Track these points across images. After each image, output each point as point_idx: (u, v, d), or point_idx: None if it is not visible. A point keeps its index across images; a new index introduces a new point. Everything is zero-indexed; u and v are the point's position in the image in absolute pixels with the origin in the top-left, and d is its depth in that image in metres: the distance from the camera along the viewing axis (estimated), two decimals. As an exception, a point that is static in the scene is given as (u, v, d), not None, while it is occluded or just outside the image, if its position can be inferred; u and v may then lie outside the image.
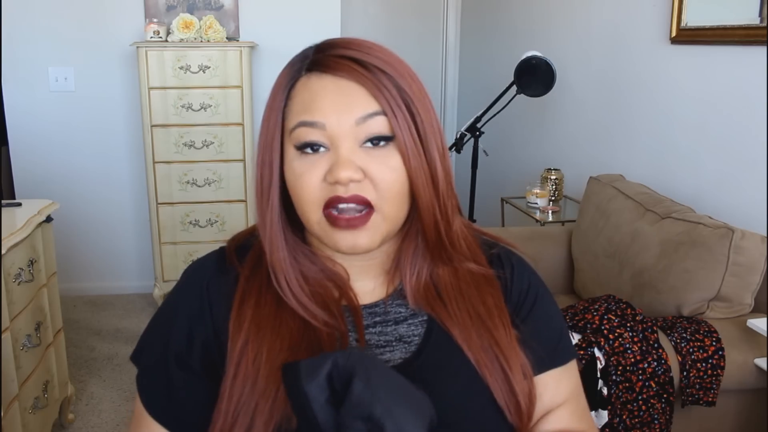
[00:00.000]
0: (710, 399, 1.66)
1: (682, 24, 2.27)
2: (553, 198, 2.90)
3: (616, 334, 1.66)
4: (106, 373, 2.69)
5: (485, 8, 3.95)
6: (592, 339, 1.66)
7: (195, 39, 2.96)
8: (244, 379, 0.69)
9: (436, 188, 0.71)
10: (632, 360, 1.63)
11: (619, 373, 1.62)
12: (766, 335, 1.60)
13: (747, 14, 1.99)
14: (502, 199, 3.13)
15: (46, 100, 3.22)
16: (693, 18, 2.23)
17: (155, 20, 3.07)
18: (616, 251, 2.10)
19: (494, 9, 3.82)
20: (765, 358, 1.66)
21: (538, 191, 2.84)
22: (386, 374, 0.60)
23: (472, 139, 2.99)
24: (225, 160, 3.08)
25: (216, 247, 0.81)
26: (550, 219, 2.75)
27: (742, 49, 2.04)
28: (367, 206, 0.68)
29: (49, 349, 2.07)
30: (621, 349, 1.64)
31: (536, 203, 2.84)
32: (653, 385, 1.62)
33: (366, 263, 0.77)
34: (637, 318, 1.72)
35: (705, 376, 1.65)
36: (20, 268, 1.85)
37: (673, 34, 2.31)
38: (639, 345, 1.65)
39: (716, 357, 1.65)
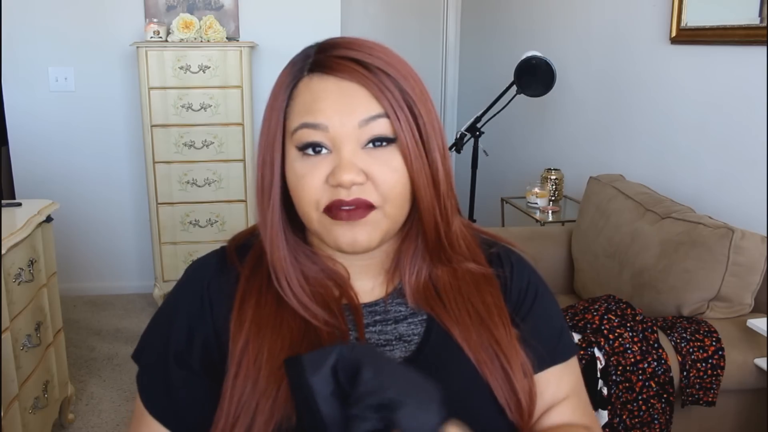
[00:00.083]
0: (710, 399, 1.66)
1: (682, 24, 2.27)
2: (553, 198, 2.90)
3: (616, 334, 1.66)
4: (106, 373, 2.69)
5: (485, 8, 3.95)
6: (592, 339, 1.66)
7: (195, 39, 2.96)
8: (245, 379, 0.69)
9: (436, 189, 0.72)
10: (632, 360, 1.63)
11: (619, 373, 1.62)
12: (766, 335, 1.60)
13: (747, 14, 1.99)
14: (502, 199, 3.13)
15: (46, 100, 3.22)
16: (693, 18, 2.23)
17: (155, 20, 3.07)
18: (616, 251, 2.10)
19: (494, 9, 3.82)
20: (765, 358, 1.66)
21: (538, 191, 2.84)
22: (394, 365, 0.60)
23: (472, 139, 2.99)
24: (225, 160, 3.08)
25: (216, 247, 0.81)
26: (550, 219, 2.75)
27: (742, 49, 2.04)
28: (369, 208, 0.69)
29: (49, 349, 2.07)
30: (621, 349, 1.64)
31: (536, 203, 2.84)
32: (653, 385, 1.62)
33: (366, 262, 0.77)
34: (637, 318, 1.72)
35: (705, 376, 1.65)
36: (20, 268, 1.85)
37: (673, 34, 2.31)
38: (639, 345, 1.65)
39: (716, 357, 1.65)
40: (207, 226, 3.14)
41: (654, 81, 2.45)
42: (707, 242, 1.78)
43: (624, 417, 1.62)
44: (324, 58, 0.70)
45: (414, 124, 0.69)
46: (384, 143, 0.69)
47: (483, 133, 2.98)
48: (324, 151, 0.69)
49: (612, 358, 1.63)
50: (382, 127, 0.68)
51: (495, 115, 2.92)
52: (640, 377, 1.62)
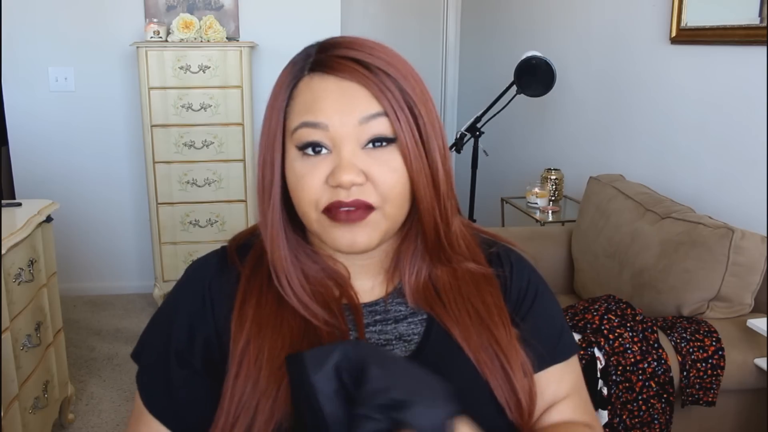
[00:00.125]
0: (710, 399, 1.66)
1: (682, 24, 2.27)
2: (553, 198, 2.90)
3: (616, 334, 1.66)
4: (106, 373, 2.69)
5: (485, 8, 3.95)
6: (592, 339, 1.66)
7: (195, 39, 2.96)
8: (246, 379, 0.69)
9: (436, 190, 0.72)
10: (632, 360, 1.63)
11: (619, 373, 1.62)
12: (766, 335, 1.60)
13: (747, 14, 1.99)
14: (502, 199, 3.13)
15: (46, 100, 3.22)
16: (693, 18, 2.23)
17: (155, 20, 3.07)
18: (616, 251, 2.10)
19: (494, 9, 3.82)
20: (765, 358, 1.66)
21: (538, 191, 2.84)
22: (401, 362, 0.59)
23: (472, 139, 2.99)
24: (225, 160, 3.08)
25: (216, 247, 0.81)
26: (550, 219, 2.75)
27: (742, 49, 2.04)
28: (368, 210, 0.69)
29: (49, 349, 2.07)
30: (621, 349, 1.64)
31: (536, 203, 2.84)
32: (653, 385, 1.62)
33: (365, 262, 0.77)
34: (637, 318, 1.72)
35: (705, 376, 1.65)
36: (20, 268, 1.85)
37: (673, 34, 2.31)
38: (639, 345, 1.65)
39: (716, 357, 1.65)
40: (207, 226, 3.14)
41: (654, 81, 2.45)
42: (707, 242, 1.78)
43: (624, 417, 1.62)
44: (325, 58, 0.70)
45: (414, 124, 0.69)
46: (384, 143, 0.69)
47: (483, 133, 2.98)
48: (324, 151, 0.68)
49: (612, 358, 1.63)
50: (382, 127, 0.68)
51: (495, 115, 2.92)
52: (640, 377, 1.62)
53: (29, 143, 3.24)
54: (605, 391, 1.62)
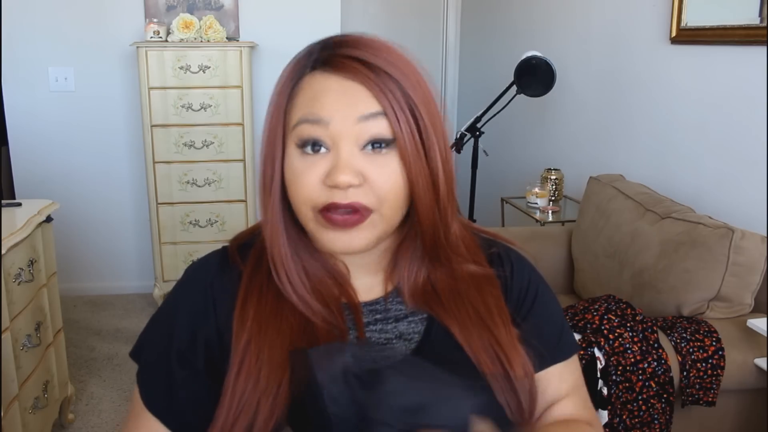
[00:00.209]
0: (710, 399, 1.66)
1: (682, 24, 2.27)
2: (553, 198, 2.90)
3: (616, 334, 1.66)
4: (106, 373, 2.69)
5: (485, 8, 3.95)
6: (592, 339, 1.66)
7: (195, 39, 2.96)
8: (247, 377, 0.69)
9: (436, 192, 0.71)
10: (632, 360, 1.63)
11: (619, 373, 1.62)
12: (766, 335, 1.60)
13: (747, 14, 1.99)
14: (502, 199, 3.13)
15: (46, 100, 3.22)
16: (693, 18, 2.23)
17: (155, 20, 3.07)
18: (616, 251, 2.10)
19: (494, 9, 3.82)
20: (765, 358, 1.66)
21: (538, 191, 2.84)
22: (415, 363, 0.58)
23: (472, 139, 2.99)
24: (225, 160, 3.08)
25: (216, 247, 0.81)
26: (550, 219, 2.75)
27: (742, 49, 2.04)
28: (364, 214, 0.68)
29: (49, 349, 2.07)
30: (621, 349, 1.64)
31: (536, 203, 2.84)
32: (653, 385, 1.62)
33: (364, 261, 0.77)
34: (637, 318, 1.72)
35: (705, 376, 1.65)
36: (20, 268, 1.85)
37: (673, 34, 2.31)
38: (639, 345, 1.65)
39: (716, 357, 1.65)
40: (207, 226, 3.14)
41: (654, 81, 2.45)
42: (707, 242, 1.78)
43: (624, 417, 1.62)
44: (327, 56, 0.70)
45: (414, 127, 0.69)
46: (383, 146, 0.68)
47: (483, 133, 2.98)
48: (323, 150, 0.68)
49: (612, 358, 1.63)
50: (381, 127, 0.68)
51: (495, 115, 2.92)
52: (640, 377, 1.62)
53: (29, 143, 3.24)
54: (605, 391, 1.62)
